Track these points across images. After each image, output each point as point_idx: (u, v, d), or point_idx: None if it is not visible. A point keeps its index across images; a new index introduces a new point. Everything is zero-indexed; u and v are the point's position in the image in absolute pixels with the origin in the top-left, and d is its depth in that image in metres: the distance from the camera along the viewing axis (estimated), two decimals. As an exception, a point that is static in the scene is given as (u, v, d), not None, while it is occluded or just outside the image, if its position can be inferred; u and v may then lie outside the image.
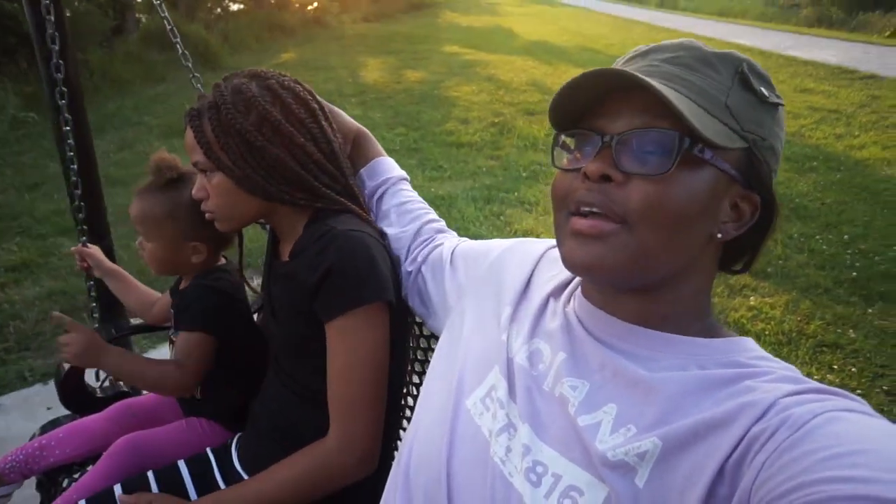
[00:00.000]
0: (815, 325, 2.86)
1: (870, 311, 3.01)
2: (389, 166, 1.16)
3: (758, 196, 0.64)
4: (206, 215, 1.03)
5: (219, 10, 12.45)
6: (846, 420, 0.48)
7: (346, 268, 0.92)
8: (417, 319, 1.15)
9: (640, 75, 0.58)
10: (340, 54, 10.58)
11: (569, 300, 0.74)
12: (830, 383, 2.44)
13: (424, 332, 1.18)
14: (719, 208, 0.62)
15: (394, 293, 0.98)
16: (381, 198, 1.13)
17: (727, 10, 24.44)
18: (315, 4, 14.86)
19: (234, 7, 14.58)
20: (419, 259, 1.04)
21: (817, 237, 3.83)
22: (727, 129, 0.60)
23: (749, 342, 0.63)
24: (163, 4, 1.81)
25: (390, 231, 1.09)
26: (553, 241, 0.86)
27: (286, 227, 1.06)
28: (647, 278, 0.63)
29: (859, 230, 3.94)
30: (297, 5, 14.61)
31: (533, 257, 0.86)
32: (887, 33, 15.99)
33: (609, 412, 0.60)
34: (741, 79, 0.62)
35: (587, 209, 0.61)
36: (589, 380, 0.64)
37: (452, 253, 1.00)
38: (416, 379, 1.23)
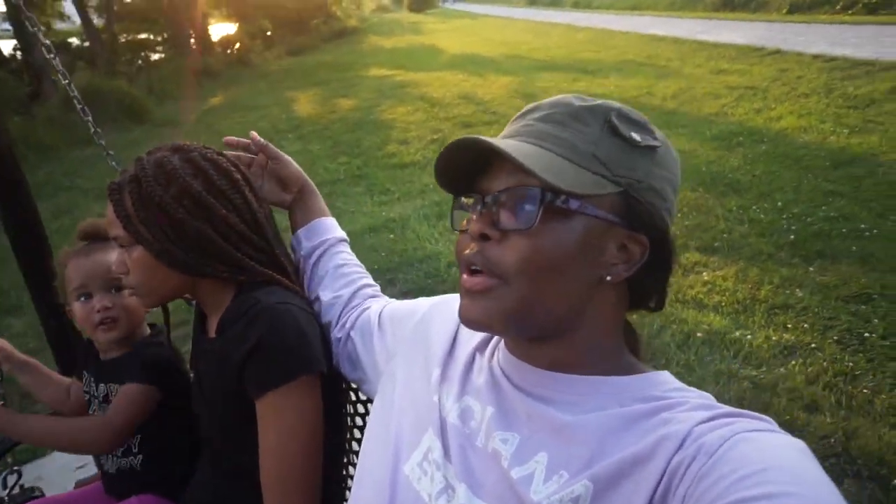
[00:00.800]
0: (766, 290, 3.01)
1: (811, 269, 3.19)
2: (329, 226, 1.16)
3: (645, 236, 0.65)
4: (127, 291, 1.03)
5: (139, 62, 12.20)
6: (752, 440, 0.52)
7: (273, 342, 0.91)
8: (353, 385, 1.14)
9: (493, 142, 0.62)
10: (269, 91, 10.52)
11: (493, 354, 0.76)
12: (787, 342, 2.59)
13: (361, 398, 1.16)
14: (602, 252, 0.64)
15: (326, 362, 0.97)
16: (318, 260, 1.12)
17: (640, 3, 25.44)
18: (238, 45, 14.74)
19: (155, 56, 14.34)
20: (348, 325, 1.04)
21: (754, 207, 4.03)
22: (597, 178, 0.63)
23: (666, 375, 0.66)
24: (66, 73, 1.71)
25: (324, 295, 1.08)
26: None
27: (211, 302, 1.04)
28: (538, 327, 0.66)
29: (790, 196, 4.17)
30: (218, 48, 14.47)
31: (456, 314, 0.87)
32: (784, 10, 16.99)
33: (541, 461, 0.61)
34: (610, 127, 0.65)
35: (474, 267, 0.65)
36: (518, 432, 0.65)
37: (380, 315, 1.00)
38: (355, 446, 1.19)
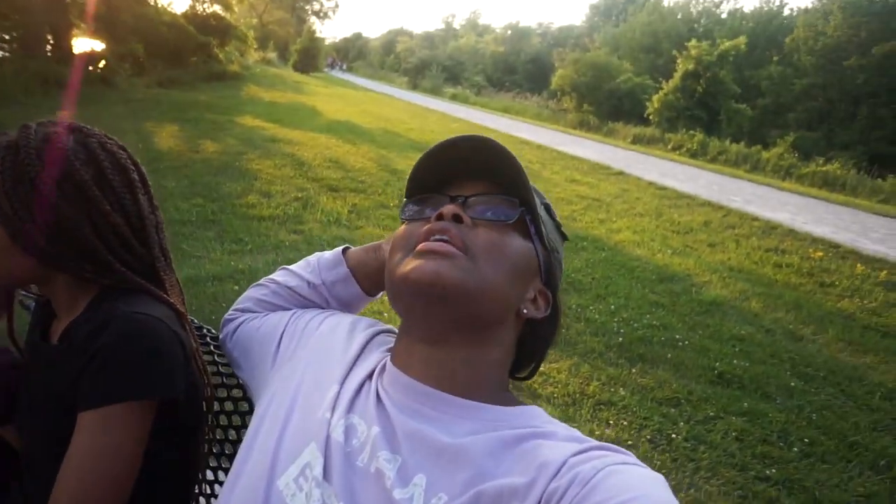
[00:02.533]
0: (594, 386, 3.22)
1: (633, 370, 3.49)
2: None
3: (551, 294, 0.77)
4: None
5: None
6: (622, 472, 0.57)
7: (115, 355, 0.81)
8: (227, 407, 1.06)
9: (510, 154, 0.72)
10: (130, 117, 9.79)
11: (379, 375, 0.76)
12: (608, 437, 2.75)
13: (234, 423, 1.10)
14: (527, 288, 0.73)
15: (180, 385, 0.86)
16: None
17: (510, 107, 27.78)
18: (103, 63, 13.69)
19: (-1, 54, 12.86)
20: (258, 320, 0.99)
21: (591, 307, 4.38)
22: (543, 229, 0.75)
23: (539, 410, 0.71)
24: None
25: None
26: (384, 326, 0.90)
27: (63, 301, 0.92)
28: (472, 316, 0.69)
29: (622, 301, 4.59)
30: (78, 63, 13.33)
31: (364, 338, 0.86)
32: (629, 140, 19.49)
33: (419, 483, 0.62)
34: (546, 207, 0.79)
35: (438, 237, 0.68)
36: (400, 453, 0.65)
37: (287, 319, 0.95)
38: (210, 475, 1.12)
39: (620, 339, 3.89)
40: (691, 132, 18.60)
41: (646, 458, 2.62)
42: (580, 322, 4.10)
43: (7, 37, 12.97)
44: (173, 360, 0.86)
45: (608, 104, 23.61)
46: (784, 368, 3.78)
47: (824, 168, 14.93)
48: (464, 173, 0.75)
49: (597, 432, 2.78)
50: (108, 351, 0.80)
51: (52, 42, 13.28)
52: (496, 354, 0.72)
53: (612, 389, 3.23)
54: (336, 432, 0.70)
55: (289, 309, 0.99)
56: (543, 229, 0.75)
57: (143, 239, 0.93)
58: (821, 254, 6.69)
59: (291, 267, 1.02)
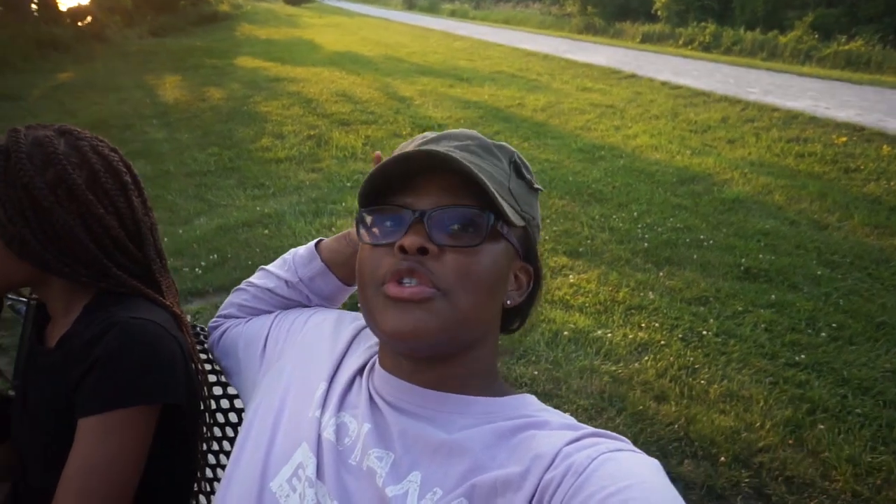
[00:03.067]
0: (623, 292, 3.31)
1: (660, 274, 3.56)
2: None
3: (531, 267, 0.74)
4: None
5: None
6: (616, 460, 0.57)
7: (116, 361, 0.80)
8: (223, 405, 1.07)
9: (472, 169, 0.63)
10: (130, 73, 9.68)
11: (369, 374, 0.76)
12: (641, 340, 2.87)
13: (231, 420, 1.10)
14: (509, 278, 0.71)
15: (179, 389, 0.86)
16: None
17: (511, 18, 26.67)
18: (89, 19, 13.36)
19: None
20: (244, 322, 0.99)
21: (614, 216, 4.41)
22: (513, 210, 0.68)
23: (531, 398, 0.71)
24: None
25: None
26: None
27: (59, 305, 0.92)
28: (458, 344, 0.67)
29: (644, 207, 4.61)
30: (67, 20, 13.03)
31: (349, 334, 0.85)
32: (637, 39, 18.72)
33: (414, 480, 0.62)
34: (515, 167, 0.72)
35: (407, 280, 0.63)
36: (392, 450, 0.65)
37: (272, 321, 0.95)
38: (223, 459, 1.14)
39: (646, 244, 3.94)
40: (703, 24, 17.78)
41: (679, 356, 2.74)
42: (605, 231, 4.15)
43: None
44: (173, 364, 0.86)
45: (613, 4, 22.51)
46: (810, 258, 3.82)
47: (847, 47, 14.24)
48: (423, 172, 0.67)
49: (630, 336, 2.89)
50: (108, 358, 0.80)
51: (36, 2, 12.94)
52: (484, 350, 0.72)
53: (642, 294, 3.32)
54: (327, 431, 0.70)
55: (271, 312, 0.98)
56: (515, 209, 0.69)
57: (137, 241, 0.93)
58: (844, 139, 6.55)
59: (269, 267, 1.01)
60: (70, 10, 14.21)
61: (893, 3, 20.96)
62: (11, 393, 1.08)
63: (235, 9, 22.52)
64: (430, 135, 0.73)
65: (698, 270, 3.61)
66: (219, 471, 1.18)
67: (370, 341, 0.81)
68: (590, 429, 0.63)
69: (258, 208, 4.47)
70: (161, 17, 15.59)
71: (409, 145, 0.73)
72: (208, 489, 1.12)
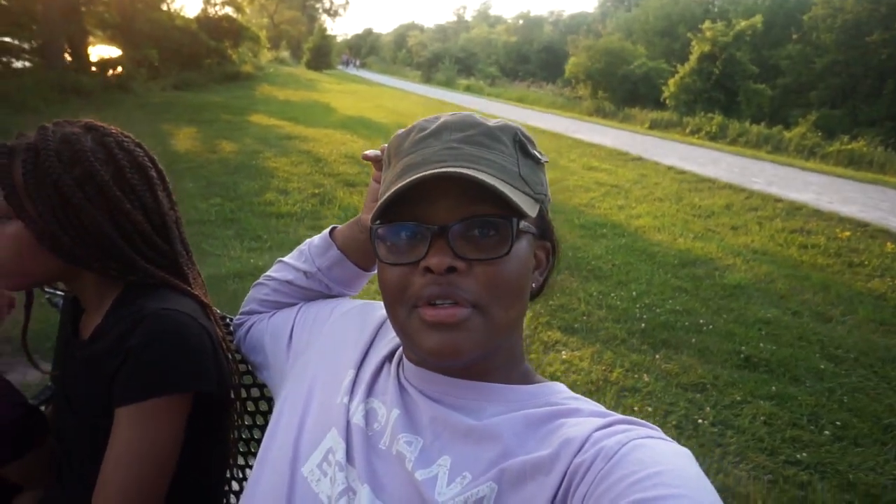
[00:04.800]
0: (617, 373, 3.18)
1: (657, 356, 3.43)
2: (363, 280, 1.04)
3: (549, 243, 0.74)
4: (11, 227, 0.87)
5: (-4, 67, 11.08)
6: (647, 447, 0.56)
7: (148, 352, 0.83)
8: (253, 393, 1.08)
9: (486, 178, 0.61)
10: (147, 121, 9.91)
11: (399, 363, 0.76)
12: (633, 424, 2.72)
13: (261, 408, 1.11)
14: (532, 264, 0.70)
15: (211, 377, 0.89)
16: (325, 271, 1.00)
17: (524, 97, 27.60)
18: (119, 69, 13.86)
19: (18, 64, 13.07)
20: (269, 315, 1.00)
21: (612, 294, 4.32)
22: (528, 198, 0.67)
23: (560, 386, 0.70)
24: None
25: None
26: None
27: (91, 298, 0.94)
28: (497, 349, 0.67)
29: (643, 287, 4.52)
30: (96, 69, 13.51)
31: (376, 322, 0.86)
32: (646, 125, 19.23)
33: (444, 465, 0.62)
34: (520, 147, 0.69)
35: (439, 302, 0.63)
36: (422, 435, 0.66)
37: (297, 312, 0.96)
38: (253, 447, 1.16)
39: (643, 324, 3.83)
40: (709, 115, 18.29)
41: (672, 445, 2.58)
42: (602, 309, 4.05)
43: (27, 46, 13.18)
44: (203, 353, 0.88)
45: (623, 90, 23.32)
46: (813, 351, 3.69)
47: (849, 146, 14.55)
48: (431, 184, 0.64)
49: (621, 419, 2.74)
50: (141, 349, 0.82)
51: (69, 51, 13.46)
52: (512, 338, 0.71)
53: (636, 376, 3.19)
54: (356, 417, 0.71)
55: (293, 304, 0.99)
56: (530, 194, 0.67)
57: (164, 235, 0.95)
58: (848, 233, 6.53)
59: (286, 259, 1.01)
60: (101, 59, 14.79)
61: (894, 108, 21.62)
62: (49, 384, 1.13)
63: (258, 70, 23.39)
64: (426, 125, 0.70)
65: (696, 355, 3.48)
66: (250, 458, 1.19)
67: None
68: (620, 416, 0.62)
69: (252, 260, 4.41)
70: (185, 72, 16.16)
71: (406, 139, 0.70)
72: (241, 475, 1.16)
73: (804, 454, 2.62)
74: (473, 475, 0.60)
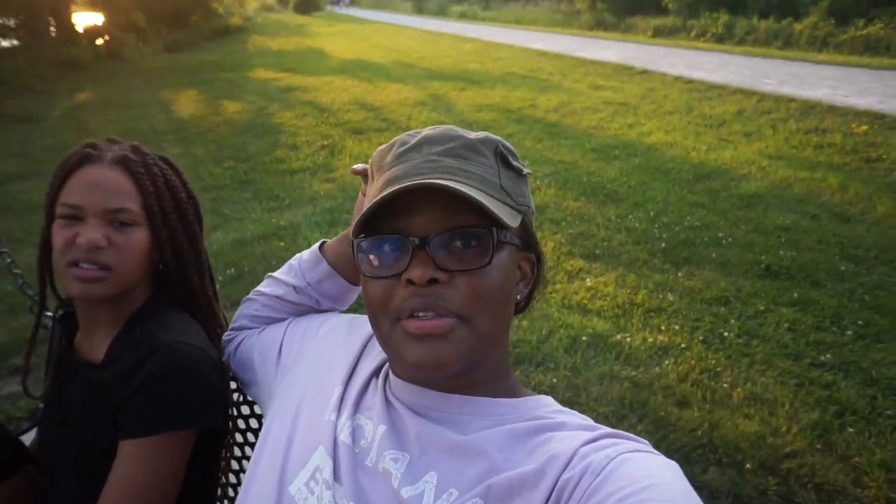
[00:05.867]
0: (642, 295, 3.27)
1: (679, 274, 3.51)
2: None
3: (533, 255, 0.73)
4: (92, 270, 0.87)
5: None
6: (634, 460, 0.56)
7: (161, 387, 0.84)
8: (244, 411, 1.10)
9: (465, 190, 0.62)
10: (146, 89, 9.82)
11: (385, 378, 0.76)
12: (661, 343, 2.82)
13: (255, 412, 1.13)
14: (516, 275, 0.71)
15: (216, 412, 0.91)
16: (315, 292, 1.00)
17: (521, 17, 26.62)
18: (106, 37, 13.59)
19: (6, 44, 12.89)
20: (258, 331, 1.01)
21: (630, 216, 4.37)
22: (510, 209, 0.67)
23: (547, 399, 0.70)
24: None
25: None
26: None
27: (107, 317, 0.94)
28: (482, 360, 0.67)
29: (660, 206, 4.55)
30: (84, 40, 13.27)
31: (363, 337, 0.85)
32: (649, 34, 18.55)
33: (430, 481, 0.62)
34: (502, 159, 0.69)
35: (422, 314, 0.63)
36: (409, 451, 0.65)
37: (286, 328, 0.95)
38: (245, 465, 1.16)
39: (663, 244, 3.89)
40: (714, 15, 17.55)
41: (700, 359, 2.70)
42: (621, 232, 4.10)
43: (11, 23, 12.94)
44: (212, 389, 0.90)
45: (624, -2, 22.33)
46: (833, 253, 3.74)
47: (865, 31, 13.94)
48: (410, 196, 0.65)
49: (649, 339, 2.86)
50: (154, 383, 0.84)
51: (53, 24, 13.20)
52: (498, 351, 0.71)
53: (661, 295, 3.28)
54: (343, 434, 0.70)
55: (283, 319, 0.99)
56: (511, 206, 0.68)
57: (200, 251, 1.02)
58: (865, 127, 6.41)
59: (276, 274, 1.01)
60: (86, 29, 14.50)
61: (912, -15, 20.48)
62: (40, 405, 1.10)
63: (246, 21, 22.78)
64: (408, 139, 0.70)
65: (718, 270, 3.55)
66: (242, 476, 1.19)
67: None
68: (607, 429, 0.62)
69: (274, 221, 4.50)
70: (174, 33, 15.81)
71: (388, 153, 0.70)
72: (232, 494, 1.15)
73: (828, 356, 2.72)
74: (460, 491, 0.60)
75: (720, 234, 4.01)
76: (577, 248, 3.85)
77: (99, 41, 13.62)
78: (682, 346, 2.81)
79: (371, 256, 0.66)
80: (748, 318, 3.05)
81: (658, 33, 18.51)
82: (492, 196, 0.65)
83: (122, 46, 13.20)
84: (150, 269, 0.96)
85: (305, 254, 0.99)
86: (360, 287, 0.94)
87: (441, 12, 33.53)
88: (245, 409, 1.15)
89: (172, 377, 0.85)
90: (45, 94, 9.38)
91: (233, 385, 1.09)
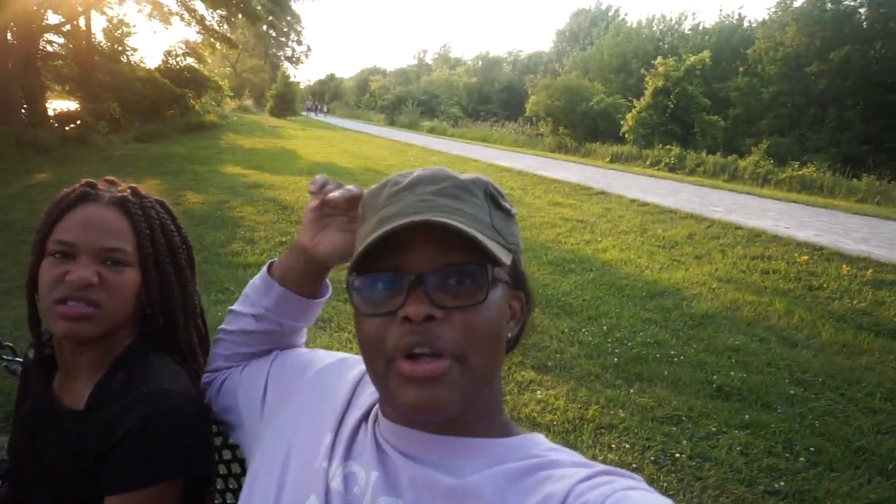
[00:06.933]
0: (593, 410, 3.18)
1: (631, 391, 3.45)
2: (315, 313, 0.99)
3: (523, 293, 0.74)
4: (80, 307, 0.85)
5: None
6: (632, 499, 0.55)
7: (144, 440, 0.82)
8: (226, 455, 1.08)
9: (461, 226, 0.62)
10: (109, 174, 9.72)
11: (375, 421, 0.75)
12: (612, 461, 2.70)
13: (234, 471, 1.11)
14: (508, 313, 0.70)
15: (201, 463, 0.89)
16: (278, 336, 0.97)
17: (488, 136, 28.13)
18: (78, 122, 13.69)
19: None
20: (239, 369, 0.99)
21: (583, 330, 4.35)
22: (501, 247, 0.67)
23: (539, 437, 0.70)
24: None
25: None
26: None
27: (90, 360, 0.91)
28: (476, 400, 0.66)
29: (613, 321, 4.57)
30: (55, 123, 13.33)
31: (352, 381, 0.84)
32: (607, 159, 19.76)
33: None
34: (492, 199, 0.71)
35: (418, 350, 0.62)
36: (402, 497, 0.64)
37: (270, 364, 0.93)
38: None
39: (616, 359, 3.85)
40: (668, 147, 18.87)
41: (651, 481, 2.57)
42: (574, 346, 4.06)
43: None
44: (197, 437, 0.89)
45: (583, 126, 23.95)
46: (782, 376, 3.76)
47: (800, 172, 15.17)
48: (404, 233, 0.65)
49: (599, 457, 2.72)
50: (137, 435, 0.82)
51: (25, 105, 13.29)
52: (489, 390, 0.70)
53: (612, 412, 3.19)
54: (335, 481, 0.69)
55: (255, 352, 0.97)
56: (503, 244, 0.68)
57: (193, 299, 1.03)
58: (806, 257, 6.74)
59: (234, 307, 0.99)
60: (58, 113, 14.62)
61: (837, 137, 22.70)
62: (4, 457, 1.06)
63: (222, 119, 23.40)
64: (400, 179, 0.70)
65: (670, 387, 3.50)
66: None
67: (374, 386, 0.77)
68: (602, 466, 0.62)
69: (220, 313, 4.31)
70: (147, 124, 16.06)
71: (380, 194, 0.71)
72: None
73: (782, 483, 2.64)
74: None
75: (672, 352, 4.01)
76: (528, 360, 3.78)
77: (69, 126, 13.69)
78: (634, 465, 2.69)
79: (366, 295, 0.66)
80: (700, 439, 2.97)
81: (616, 159, 19.69)
82: (485, 234, 0.66)
83: (92, 133, 13.27)
84: (136, 311, 0.95)
85: (256, 279, 0.97)
86: (319, 300, 0.97)
87: (412, 126, 35.21)
88: (227, 454, 1.12)
89: (159, 427, 0.83)
90: (2, 172, 9.21)
91: (214, 429, 1.05)
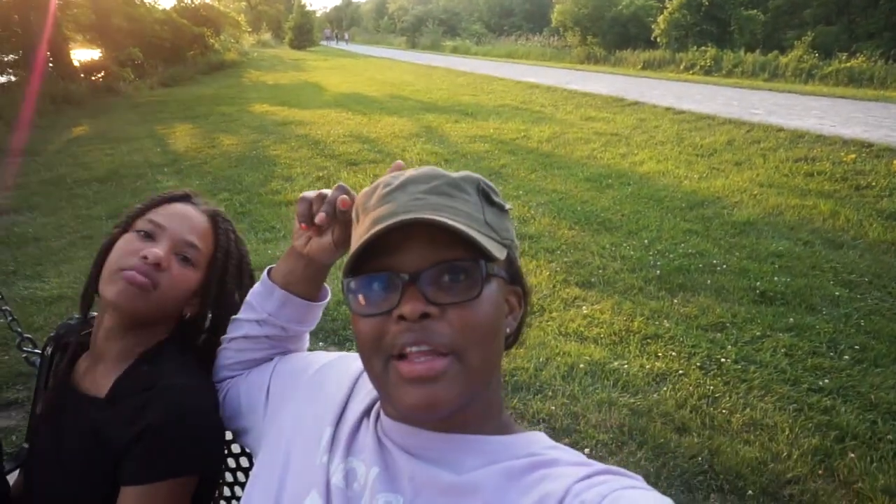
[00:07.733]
0: (638, 322, 3.27)
1: (675, 301, 3.52)
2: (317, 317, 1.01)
3: (520, 288, 0.74)
4: (142, 278, 0.90)
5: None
6: (629, 498, 0.56)
7: (165, 433, 0.85)
8: (234, 449, 1.10)
9: (454, 224, 0.62)
10: (142, 123, 9.91)
11: (377, 418, 0.76)
12: (659, 370, 2.81)
13: (241, 463, 1.13)
14: (505, 309, 0.71)
15: (218, 459, 0.93)
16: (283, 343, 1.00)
17: (513, 52, 27.14)
18: (103, 72, 13.76)
19: (2, 79, 13.03)
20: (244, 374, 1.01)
21: (624, 244, 4.39)
22: (495, 243, 0.68)
23: (540, 435, 0.71)
24: None
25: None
26: None
27: (122, 349, 0.95)
28: (475, 396, 0.67)
29: (654, 233, 4.58)
30: (82, 75, 13.42)
31: (352, 376, 0.85)
32: (639, 67, 18.94)
33: None
34: (484, 195, 0.71)
35: (415, 348, 0.62)
36: (402, 493, 0.65)
37: (273, 369, 0.95)
38: None
39: (658, 271, 3.90)
40: (703, 48, 17.97)
41: (698, 385, 2.68)
42: (616, 260, 4.12)
43: (9, 59, 13.11)
44: (215, 435, 0.92)
45: (613, 33, 22.88)
46: (827, 278, 3.76)
47: (849, 64, 14.32)
48: (397, 233, 0.65)
49: (647, 366, 2.84)
50: (157, 428, 0.84)
51: (51, 59, 13.38)
52: (490, 389, 0.71)
53: (657, 322, 3.27)
54: (336, 477, 0.70)
55: (258, 357, 0.99)
56: (497, 240, 0.69)
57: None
58: (853, 156, 6.51)
59: (238, 315, 1.00)
60: (83, 64, 14.69)
61: (892, 19, 21.02)
62: (24, 445, 1.07)
63: (242, 55, 23.13)
64: (392, 181, 0.70)
65: (713, 296, 3.56)
66: None
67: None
68: (601, 465, 0.62)
69: (269, 252, 4.49)
70: (170, 68, 16.01)
71: (372, 195, 0.71)
72: None
73: (826, 380, 2.72)
74: None
75: (714, 261, 4.03)
76: (572, 277, 3.86)
77: (96, 76, 13.78)
78: (680, 372, 2.80)
79: (361, 295, 0.66)
80: (745, 343, 3.05)
81: (647, 66, 18.90)
82: (478, 230, 0.66)
83: (118, 81, 13.36)
84: (179, 311, 1.00)
85: (257, 286, 0.99)
86: (320, 302, 0.99)
87: (434, 47, 34.18)
88: (235, 448, 1.13)
89: (173, 424, 0.86)
90: (42, 128, 9.45)
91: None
